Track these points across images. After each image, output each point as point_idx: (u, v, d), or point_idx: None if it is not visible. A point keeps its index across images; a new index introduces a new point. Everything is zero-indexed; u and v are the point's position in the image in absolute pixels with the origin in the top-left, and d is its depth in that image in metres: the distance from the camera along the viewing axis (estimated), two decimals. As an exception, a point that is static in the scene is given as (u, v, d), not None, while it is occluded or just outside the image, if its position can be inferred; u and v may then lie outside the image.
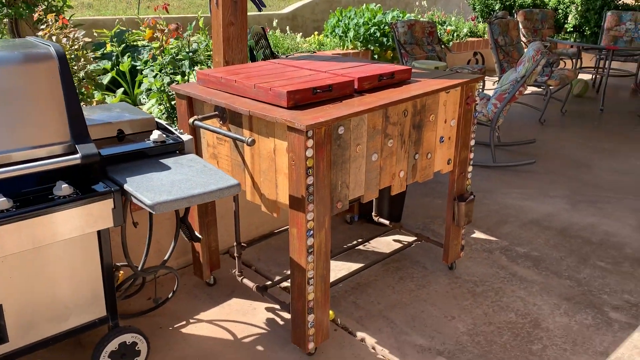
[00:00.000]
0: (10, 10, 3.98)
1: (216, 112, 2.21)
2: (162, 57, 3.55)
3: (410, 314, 2.51)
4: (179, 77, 3.44)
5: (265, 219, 3.20)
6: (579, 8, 8.23)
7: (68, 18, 3.70)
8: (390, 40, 6.35)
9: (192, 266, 2.80)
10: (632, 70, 7.68)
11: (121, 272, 2.40)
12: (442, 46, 6.19)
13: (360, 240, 3.14)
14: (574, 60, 7.27)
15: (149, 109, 3.38)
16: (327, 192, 2.00)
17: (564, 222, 3.47)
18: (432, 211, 3.59)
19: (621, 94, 7.28)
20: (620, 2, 8.17)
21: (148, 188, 1.78)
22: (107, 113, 2.18)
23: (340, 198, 2.10)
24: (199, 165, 1.97)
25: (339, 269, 2.88)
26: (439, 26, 7.78)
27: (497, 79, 6.52)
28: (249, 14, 2.90)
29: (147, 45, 4.25)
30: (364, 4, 6.75)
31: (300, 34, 7.09)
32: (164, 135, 2.09)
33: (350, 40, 6.33)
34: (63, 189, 1.74)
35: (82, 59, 3.18)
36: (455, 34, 7.90)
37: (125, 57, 4.09)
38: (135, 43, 4.42)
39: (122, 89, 3.75)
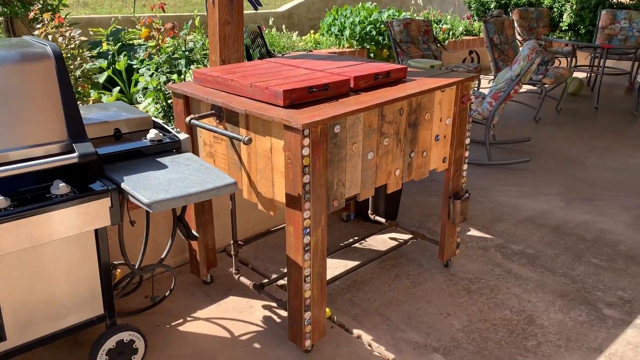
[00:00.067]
0: (5, 9, 3.98)
1: (213, 111, 2.22)
2: (158, 56, 3.55)
3: (406, 311, 2.53)
4: (175, 76, 3.45)
5: (261, 217, 3.21)
6: (574, 6, 8.27)
7: (64, 17, 3.70)
8: (386, 38, 6.37)
9: (189, 264, 2.81)
10: (627, 68, 7.71)
11: (118, 270, 2.41)
12: (438, 45, 6.20)
13: (356, 238, 3.16)
14: (568, 59, 7.30)
15: (146, 107, 3.39)
16: (324, 191, 2.02)
17: (559, 220, 3.49)
18: (427, 209, 3.61)
19: (616, 92, 7.32)
20: (614, 0, 8.20)
21: (145, 187, 1.78)
22: (104, 112, 2.19)
23: (337, 196, 2.11)
24: (196, 164, 1.98)
25: (335, 266, 2.89)
26: (435, 25, 7.80)
27: (492, 77, 6.54)
28: (245, 12, 2.91)
29: (143, 44, 4.25)
30: (360, 3, 6.76)
31: (297, 32, 7.09)
32: (161, 134, 2.10)
33: (346, 39, 6.34)
34: (60, 187, 1.75)
35: (79, 58, 3.18)
36: (450, 33, 7.93)
37: (122, 56, 4.09)
38: (131, 42, 4.42)
39: (118, 88, 3.76)
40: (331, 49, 6.29)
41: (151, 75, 3.51)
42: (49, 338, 1.90)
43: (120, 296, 2.39)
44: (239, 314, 2.49)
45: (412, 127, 2.35)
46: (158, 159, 2.01)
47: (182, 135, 2.13)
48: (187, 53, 3.60)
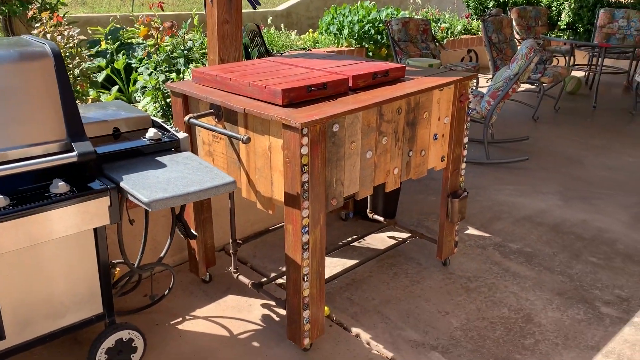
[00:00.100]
0: (4, 8, 3.97)
1: (211, 110, 2.22)
2: (157, 55, 3.56)
3: (404, 309, 2.53)
4: (174, 75, 3.45)
5: (260, 216, 3.22)
6: (572, 5, 8.27)
7: (62, 15, 3.69)
8: (385, 37, 6.37)
9: (188, 263, 2.81)
10: (625, 67, 7.72)
11: (117, 269, 2.41)
12: (436, 44, 6.21)
13: (355, 236, 3.17)
14: (567, 58, 7.31)
15: (144, 106, 3.39)
16: (322, 189, 2.02)
17: (557, 219, 3.50)
18: (426, 208, 3.61)
19: (614, 91, 7.33)
20: (613, -1, 8.21)
21: (144, 186, 1.79)
22: (103, 111, 2.19)
23: (335, 195, 2.12)
24: (195, 163, 1.98)
25: (334, 265, 2.90)
26: (433, 24, 7.80)
27: (490, 76, 6.55)
28: (243, 11, 2.91)
29: (142, 43, 4.25)
30: (359, 2, 6.77)
31: (295, 31, 7.09)
32: (160, 133, 2.10)
33: (345, 38, 6.34)
34: (59, 186, 1.75)
35: (77, 57, 3.18)
36: (449, 32, 7.93)
37: (120, 55, 4.09)
38: (129, 41, 4.42)
39: (117, 87, 3.76)
40: (330, 48, 6.29)
41: (150, 74, 3.52)
42: (48, 337, 1.91)
43: (119, 295, 2.40)
44: (238, 313, 2.49)
45: (410, 126, 2.36)
46: (157, 158, 2.02)
47: (181, 134, 2.13)
48: (185, 52, 3.60)
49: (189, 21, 4.50)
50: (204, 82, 2.33)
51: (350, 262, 2.92)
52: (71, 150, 1.84)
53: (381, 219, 3.23)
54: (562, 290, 2.71)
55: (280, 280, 2.73)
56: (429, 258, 2.97)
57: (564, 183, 4.09)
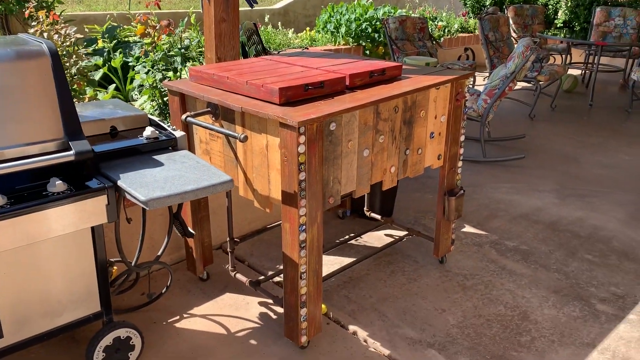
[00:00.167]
0: (0, 6, 3.96)
1: (209, 109, 2.22)
2: (154, 54, 3.55)
3: (401, 307, 2.54)
4: (171, 74, 3.45)
5: (258, 214, 3.22)
6: (569, 4, 8.29)
7: (59, 14, 3.69)
8: (382, 36, 6.38)
9: (186, 261, 2.82)
10: (621, 65, 7.75)
11: (115, 267, 2.42)
12: (433, 42, 6.22)
13: (352, 234, 3.17)
14: (563, 56, 7.32)
15: (141, 105, 3.39)
16: (319, 188, 2.03)
17: (553, 216, 3.51)
18: (423, 206, 3.62)
19: (610, 90, 7.35)
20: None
21: (141, 184, 1.79)
22: (100, 110, 2.19)
23: (332, 193, 2.13)
24: (192, 162, 1.98)
25: (331, 263, 2.90)
26: (430, 22, 7.81)
27: (487, 74, 6.56)
28: (240, 9, 2.91)
29: (139, 41, 4.25)
30: (356, 0, 6.77)
31: (292, 29, 7.10)
32: (157, 132, 2.11)
33: (342, 36, 6.35)
34: (57, 185, 1.76)
35: (74, 56, 3.18)
36: (446, 30, 7.94)
37: (117, 53, 4.09)
38: (126, 39, 4.41)
39: (114, 85, 3.75)
40: (327, 46, 6.30)
41: (147, 73, 3.52)
42: (45, 335, 1.91)
43: (117, 293, 2.40)
44: (235, 311, 2.50)
45: (407, 124, 2.36)
46: (154, 157, 2.02)
47: (178, 133, 2.14)
48: (182, 50, 3.60)
49: (186, 19, 4.50)
50: (201, 81, 2.33)
51: (347, 260, 2.93)
52: (68, 149, 1.84)
53: (378, 217, 3.24)
54: (558, 288, 2.73)
55: (277, 279, 2.74)
56: (426, 256, 2.98)
57: (560, 181, 4.11)
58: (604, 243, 3.19)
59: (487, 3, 9.00)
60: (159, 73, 3.43)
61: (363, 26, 6.31)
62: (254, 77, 2.17)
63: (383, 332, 2.37)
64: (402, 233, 3.23)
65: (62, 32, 3.16)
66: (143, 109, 3.37)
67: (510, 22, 7.22)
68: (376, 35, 6.37)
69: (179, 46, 3.63)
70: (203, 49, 3.65)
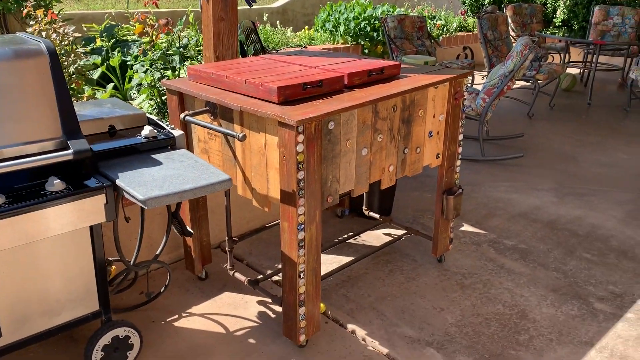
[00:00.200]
0: (-2, 5, 3.96)
1: (207, 108, 2.22)
2: (152, 52, 3.55)
3: (400, 306, 2.55)
4: (169, 72, 3.45)
5: (256, 213, 3.22)
6: (568, 2, 8.30)
7: (57, 12, 3.68)
8: (381, 34, 6.38)
9: (184, 260, 2.82)
10: (619, 64, 7.76)
11: (113, 266, 2.41)
12: (432, 41, 6.22)
13: (350, 233, 3.18)
14: (562, 55, 7.33)
15: (140, 104, 3.39)
16: (318, 187, 2.03)
17: (551, 215, 3.52)
18: (421, 205, 3.63)
19: (608, 88, 7.36)
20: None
21: (140, 183, 1.79)
22: (98, 109, 2.19)
23: (331, 192, 2.13)
24: (190, 161, 1.98)
25: (329, 262, 2.91)
26: (429, 21, 7.81)
27: (486, 73, 6.57)
28: (239, 8, 2.91)
29: (137, 40, 4.25)
30: (354, -1, 6.76)
31: (291, 28, 7.09)
32: (155, 131, 2.11)
33: (341, 35, 6.35)
34: (55, 184, 1.75)
35: (72, 54, 3.17)
36: (444, 29, 7.94)
37: (116, 52, 4.08)
38: (125, 38, 4.41)
39: (112, 84, 3.75)
40: (325, 45, 6.30)
41: (145, 72, 3.51)
42: (44, 334, 1.91)
43: (116, 292, 2.40)
44: (234, 310, 2.50)
45: (405, 123, 2.37)
46: (152, 156, 2.02)
47: (177, 132, 2.14)
48: (181, 49, 3.60)
49: (184, 18, 4.49)
50: (200, 80, 2.33)
51: (346, 259, 2.93)
52: (67, 148, 1.84)
53: (377, 216, 3.24)
54: (557, 287, 2.73)
55: (276, 278, 2.74)
56: (425, 255, 2.99)
57: (558, 180, 4.11)
58: (602, 242, 3.19)
59: (486, 2, 9.00)
60: (158, 72, 3.42)
61: (362, 25, 6.31)
62: (253, 76, 2.17)
63: (382, 331, 2.37)
64: (400, 232, 3.23)
65: (60, 31, 3.16)
66: (141, 108, 3.36)
67: (509, 20, 7.22)
68: (375, 34, 6.37)
69: (178, 45, 3.63)
70: (201, 47, 3.64)
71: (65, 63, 3.17)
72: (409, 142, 2.42)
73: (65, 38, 3.17)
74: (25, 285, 1.82)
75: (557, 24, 8.43)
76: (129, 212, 2.53)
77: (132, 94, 3.71)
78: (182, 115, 2.20)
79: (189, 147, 2.44)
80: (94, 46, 4.21)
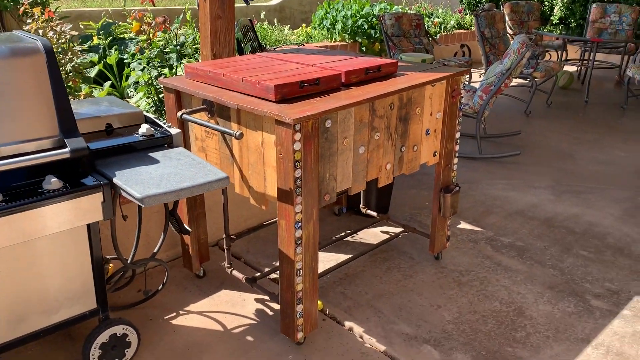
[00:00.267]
0: (-5, 3, 3.95)
1: (204, 106, 2.22)
2: (149, 50, 3.55)
3: (397, 303, 2.55)
4: (166, 70, 3.44)
5: (253, 211, 3.23)
6: (565, 0, 8.30)
7: (54, 10, 3.68)
8: (378, 32, 6.38)
9: (182, 258, 2.82)
10: (617, 62, 7.77)
11: (111, 264, 2.42)
12: (430, 38, 6.22)
13: (348, 231, 3.18)
14: (559, 53, 7.34)
15: (137, 102, 3.38)
16: (315, 185, 2.03)
17: (548, 213, 3.53)
18: (418, 202, 3.63)
19: (606, 86, 7.37)
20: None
21: (137, 182, 1.79)
22: (95, 107, 2.19)
23: (328, 190, 2.13)
24: (188, 159, 1.98)
25: (327, 260, 2.91)
26: (427, 18, 7.81)
27: (483, 71, 6.57)
28: (236, 6, 2.91)
29: (135, 38, 4.24)
30: (352, -4, 6.76)
31: (288, 25, 7.08)
32: (153, 129, 2.11)
33: (338, 33, 6.34)
34: (52, 182, 1.75)
35: (69, 53, 3.17)
36: (442, 26, 7.94)
37: (113, 50, 4.08)
38: (122, 36, 4.40)
39: (109, 82, 3.75)
40: (323, 43, 6.29)
41: (142, 70, 3.51)
42: (41, 332, 1.91)
43: (113, 290, 2.40)
44: (232, 308, 2.50)
45: (402, 121, 2.37)
46: (150, 154, 2.02)
47: (174, 130, 2.14)
48: (178, 47, 3.59)
49: (181, 16, 4.49)
50: (197, 78, 2.33)
51: (343, 257, 2.94)
52: (64, 146, 1.84)
53: (374, 214, 3.24)
54: (553, 284, 2.74)
55: (273, 275, 2.75)
56: (422, 252, 2.99)
57: (555, 177, 4.12)
58: (599, 239, 3.20)
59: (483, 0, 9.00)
60: (155, 70, 3.42)
61: (359, 23, 6.31)
62: (250, 74, 2.17)
63: (379, 328, 2.38)
64: (397, 230, 3.23)
65: (57, 29, 3.16)
66: (138, 106, 3.36)
67: (506, 18, 7.22)
68: (372, 31, 6.37)
69: (175, 43, 3.62)
70: (199, 45, 3.64)
71: (62, 61, 3.16)
72: (406, 140, 2.43)
73: (62, 36, 3.16)
74: (22, 283, 1.82)
75: (554, 22, 8.44)
76: (127, 210, 2.52)
77: (129, 92, 3.70)
78: (179, 114, 2.20)
79: (186, 146, 2.44)
80: (91, 44, 4.20)
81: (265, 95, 2.04)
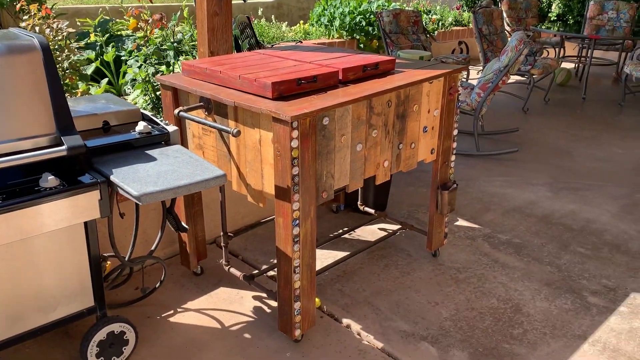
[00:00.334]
0: (-9, 0, 3.93)
1: (201, 103, 2.22)
2: (146, 48, 3.54)
3: (394, 300, 2.56)
4: (163, 68, 3.44)
5: (251, 208, 3.23)
6: (563, -3, 8.30)
7: (50, 7, 3.66)
8: (376, 29, 6.37)
9: (179, 256, 2.82)
10: (614, 59, 7.77)
11: (108, 262, 2.42)
12: (427, 35, 6.21)
13: (345, 229, 3.18)
14: (557, 49, 7.34)
15: (134, 99, 3.38)
16: (313, 182, 2.03)
17: (546, 210, 3.53)
18: (416, 200, 3.63)
19: (603, 83, 7.38)
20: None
21: (134, 179, 1.79)
22: (92, 104, 2.18)
23: (326, 188, 2.13)
24: (185, 156, 1.98)
25: (325, 257, 2.91)
26: (424, 15, 7.81)
27: (481, 68, 6.57)
28: (233, 2, 2.90)
29: (132, 35, 4.23)
30: (349, -7, 6.74)
31: (286, 22, 7.07)
32: (150, 127, 2.10)
33: (336, 30, 6.33)
34: (49, 180, 1.75)
35: (66, 50, 3.16)
36: (440, 23, 7.93)
37: (110, 47, 4.07)
38: (119, 33, 4.39)
39: (106, 80, 3.74)
40: (321, 40, 6.28)
41: (140, 67, 3.50)
42: (39, 330, 1.91)
43: (111, 288, 2.40)
44: (229, 305, 2.51)
45: (400, 118, 2.37)
46: (147, 152, 2.02)
47: (171, 128, 2.13)
48: (175, 44, 3.59)
49: (178, 13, 4.48)
50: (194, 75, 2.33)
51: (341, 254, 2.94)
52: (61, 144, 1.83)
53: (372, 211, 3.25)
54: (551, 281, 2.75)
55: (271, 273, 2.75)
56: (419, 249, 3.00)
57: (553, 174, 4.13)
58: (596, 236, 3.21)
59: (481, -4, 8.99)
60: (152, 67, 3.41)
61: (357, 19, 6.30)
62: (247, 71, 2.17)
63: (376, 326, 2.38)
64: (395, 227, 3.24)
65: (54, 25, 3.14)
66: (136, 103, 3.36)
67: (504, 15, 7.22)
68: (370, 28, 6.36)
69: (172, 40, 3.61)
70: (196, 42, 3.63)
71: (59, 58, 3.16)
72: (403, 138, 2.43)
73: (59, 33, 3.15)
74: (20, 281, 1.82)
75: (552, 19, 8.44)
76: (124, 208, 2.53)
77: (126, 90, 3.70)
78: (176, 111, 2.20)
79: (184, 143, 2.43)
80: (88, 41, 4.19)
81: (263, 93, 2.04)
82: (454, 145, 2.73)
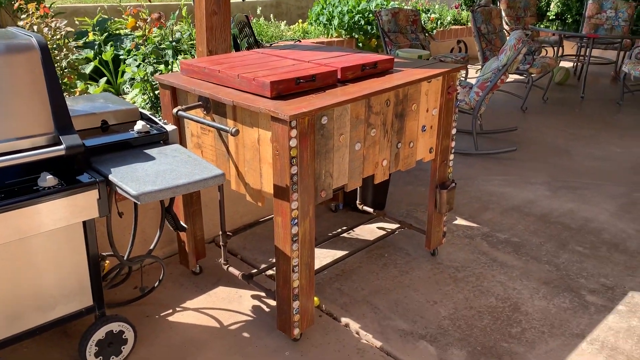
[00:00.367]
0: (-11, -1, 3.92)
1: (200, 102, 2.22)
2: (145, 47, 3.54)
3: (393, 299, 2.56)
4: (162, 67, 3.43)
5: (250, 208, 3.23)
6: (561, -4, 8.31)
7: (49, 6, 3.66)
8: (375, 28, 6.37)
9: (178, 255, 2.82)
10: (613, 58, 7.78)
11: (107, 261, 2.42)
12: (426, 34, 6.21)
13: (344, 228, 3.18)
14: (555, 48, 7.34)
15: (133, 98, 3.38)
16: (311, 181, 2.03)
17: (544, 209, 3.54)
18: (415, 199, 3.64)
19: (602, 82, 7.39)
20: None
21: (133, 178, 1.79)
22: (91, 103, 2.18)
23: (324, 187, 2.13)
24: (184, 156, 1.98)
25: (323, 256, 2.92)
26: (423, 14, 7.81)
27: (480, 67, 6.57)
28: (232, 1, 2.90)
29: (130, 34, 4.22)
30: (348, -8, 6.74)
31: (285, 21, 7.07)
32: (148, 126, 2.10)
33: (335, 29, 6.33)
34: (48, 180, 1.75)
35: (64, 49, 3.15)
36: (439, 22, 7.93)
37: (108, 46, 4.06)
38: (117, 32, 4.39)
39: (105, 79, 3.73)
40: (320, 39, 6.28)
41: (138, 66, 3.50)
42: (37, 330, 1.91)
43: (109, 287, 2.40)
44: (228, 304, 2.51)
45: (399, 117, 2.37)
46: (145, 151, 2.01)
47: (170, 127, 2.13)
48: (174, 43, 3.58)
49: (177, 12, 4.47)
50: (192, 74, 2.33)
51: (339, 253, 2.94)
52: (59, 143, 1.83)
53: (370, 210, 3.25)
54: (549, 280, 2.75)
55: (270, 272, 2.75)
56: (418, 248, 3.00)
57: (551, 173, 4.13)
58: (594, 235, 3.22)
59: (480, -5, 8.99)
60: (150, 66, 3.41)
61: (356, 18, 6.30)
62: (246, 70, 2.17)
63: (375, 324, 2.38)
64: (394, 226, 3.24)
65: (52, 25, 3.14)
66: (134, 102, 3.35)
67: (503, 14, 7.22)
68: (369, 27, 6.36)
69: (171, 39, 3.61)
70: (195, 42, 3.63)
71: (58, 57, 3.15)
72: (402, 137, 2.43)
73: (57, 32, 3.15)
74: (18, 280, 1.82)
75: (550, 18, 8.45)
76: (122, 207, 2.53)
77: (124, 89, 3.69)
78: (174, 110, 2.20)
79: (182, 142, 2.43)
80: (87, 40, 4.18)
81: (261, 92, 2.04)
82: (453, 144, 2.73)
